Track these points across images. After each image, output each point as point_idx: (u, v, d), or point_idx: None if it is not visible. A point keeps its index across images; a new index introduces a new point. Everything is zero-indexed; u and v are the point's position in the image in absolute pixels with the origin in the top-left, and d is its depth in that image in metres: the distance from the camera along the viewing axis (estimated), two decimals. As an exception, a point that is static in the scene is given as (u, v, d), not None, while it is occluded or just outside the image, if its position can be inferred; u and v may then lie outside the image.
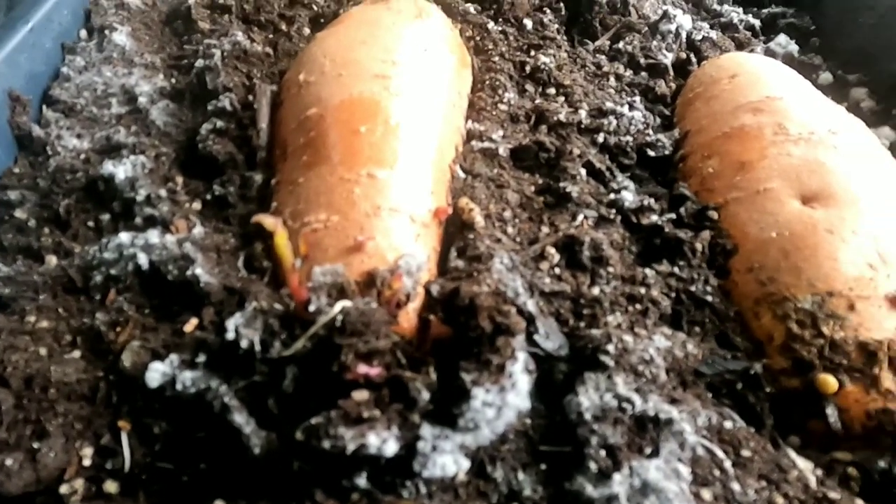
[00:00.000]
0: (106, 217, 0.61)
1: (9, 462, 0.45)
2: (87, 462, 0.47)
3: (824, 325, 0.51)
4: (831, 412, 0.49)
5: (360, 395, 0.43)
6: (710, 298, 0.57)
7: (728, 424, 0.48)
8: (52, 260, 0.58)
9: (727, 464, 0.46)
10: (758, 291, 0.56)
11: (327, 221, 0.54)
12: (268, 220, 0.45)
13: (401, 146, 0.59)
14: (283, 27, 0.84)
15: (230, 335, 0.47)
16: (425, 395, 0.43)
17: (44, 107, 0.71)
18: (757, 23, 1.03)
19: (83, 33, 0.81)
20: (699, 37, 0.92)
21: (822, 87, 0.91)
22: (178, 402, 0.47)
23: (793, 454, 0.49)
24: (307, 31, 0.85)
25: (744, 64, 0.77)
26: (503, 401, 0.43)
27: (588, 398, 0.46)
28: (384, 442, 0.41)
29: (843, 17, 0.98)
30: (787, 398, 0.51)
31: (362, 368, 0.44)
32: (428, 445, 0.42)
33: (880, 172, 0.60)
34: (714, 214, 0.61)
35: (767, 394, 0.51)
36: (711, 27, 0.99)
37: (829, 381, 0.49)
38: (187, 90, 0.72)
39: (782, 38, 0.97)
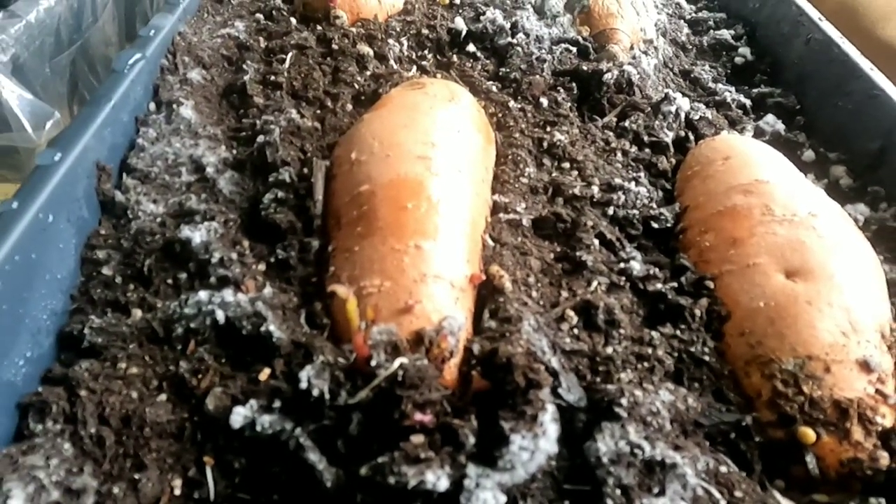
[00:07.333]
0: (183, 276, 0.70)
1: (115, 490, 0.53)
2: (177, 492, 0.55)
3: (804, 385, 0.60)
4: (810, 460, 0.57)
5: (418, 438, 0.51)
6: (707, 358, 0.66)
7: (723, 469, 0.56)
8: (137, 313, 0.67)
9: (723, 502, 0.54)
10: (748, 353, 0.64)
11: (381, 286, 0.63)
12: (341, 290, 0.55)
13: (441, 220, 0.68)
14: (329, 104, 0.95)
15: (303, 384, 0.55)
16: (472, 440, 0.52)
17: (124, 174, 0.80)
18: (748, 102, 1.14)
19: (152, 106, 0.91)
20: (696, 116, 1.03)
21: (806, 164, 1.01)
22: (256, 441, 0.55)
23: (778, 495, 0.57)
24: (350, 107, 0.95)
25: (735, 147, 0.87)
26: (536, 445, 0.52)
27: (605, 444, 0.55)
28: (438, 479, 0.49)
29: (824, 100, 1.09)
30: (774, 447, 0.59)
31: (418, 416, 0.52)
32: (472, 483, 0.50)
33: (852, 251, 0.69)
34: (711, 284, 0.70)
35: (756, 443, 0.59)
36: (707, 105, 1.10)
37: (809, 434, 0.57)
38: (248, 161, 0.82)
39: (770, 118, 1.08)
